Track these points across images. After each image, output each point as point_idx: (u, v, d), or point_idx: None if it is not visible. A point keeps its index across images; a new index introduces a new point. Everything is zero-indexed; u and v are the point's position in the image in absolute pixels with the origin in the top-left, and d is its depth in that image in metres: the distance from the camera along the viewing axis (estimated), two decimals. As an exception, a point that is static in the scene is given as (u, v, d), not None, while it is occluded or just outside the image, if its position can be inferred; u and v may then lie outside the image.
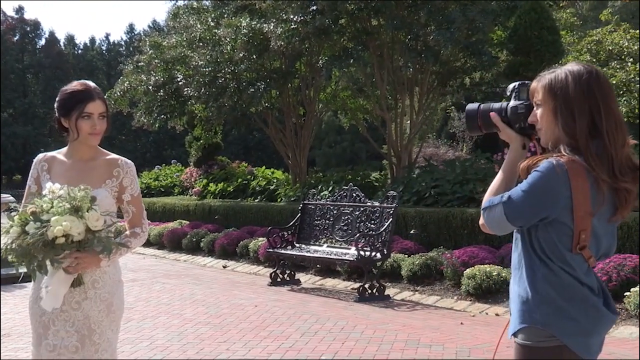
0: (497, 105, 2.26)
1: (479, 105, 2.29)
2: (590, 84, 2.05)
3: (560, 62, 12.90)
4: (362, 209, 8.86)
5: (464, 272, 7.82)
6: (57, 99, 2.96)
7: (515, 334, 2.09)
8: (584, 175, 2.00)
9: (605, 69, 12.98)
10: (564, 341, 2.00)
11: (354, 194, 9.14)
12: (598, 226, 2.06)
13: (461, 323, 6.56)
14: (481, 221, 2.15)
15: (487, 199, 2.14)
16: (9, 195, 11.10)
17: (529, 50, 11.25)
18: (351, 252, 8.48)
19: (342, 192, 9.39)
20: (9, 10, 48.26)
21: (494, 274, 7.61)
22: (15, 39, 47.99)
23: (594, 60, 14.50)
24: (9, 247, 2.63)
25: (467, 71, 13.63)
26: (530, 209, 2.03)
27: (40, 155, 3.07)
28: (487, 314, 7.22)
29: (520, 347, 2.07)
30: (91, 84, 2.98)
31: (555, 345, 2.01)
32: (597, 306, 2.06)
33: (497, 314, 7.15)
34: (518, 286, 2.11)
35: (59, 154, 3.05)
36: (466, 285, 7.70)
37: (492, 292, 7.58)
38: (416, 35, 11.84)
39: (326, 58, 12.91)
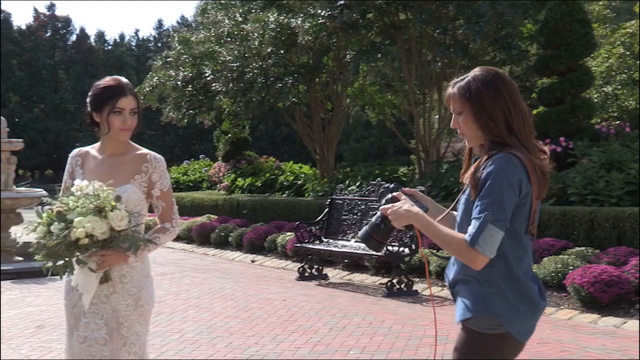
0: (373, 217, 2.42)
1: (365, 230, 2.42)
2: (497, 86, 2.26)
3: (592, 55, 12.70)
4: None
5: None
6: (89, 93, 2.97)
7: (466, 320, 2.27)
8: (528, 160, 2.22)
9: (639, 62, 12.75)
10: (509, 329, 2.24)
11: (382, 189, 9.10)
12: (537, 206, 2.31)
13: (490, 319, 6.52)
14: (475, 264, 2.20)
15: (461, 242, 2.19)
16: (41, 189, 11.28)
17: (560, 43, 11.09)
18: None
19: (369, 187, 9.37)
20: (41, 7, 49.06)
21: (523, 269, 7.53)
22: (47, 35, 48.68)
23: (628, 53, 14.23)
24: (35, 245, 2.68)
25: (497, 65, 13.45)
26: (510, 204, 2.18)
27: (75, 151, 3.10)
28: (516, 310, 7.14)
29: (471, 331, 2.27)
30: (123, 79, 2.98)
31: (501, 333, 2.24)
32: (535, 297, 2.28)
33: (526, 310, 7.07)
34: (478, 282, 2.26)
35: (93, 149, 3.08)
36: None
37: (521, 288, 7.50)
38: (445, 29, 11.75)
39: (354, 53, 12.88)
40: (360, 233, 2.47)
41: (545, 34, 11.38)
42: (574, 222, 8.43)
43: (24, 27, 47.55)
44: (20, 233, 10.39)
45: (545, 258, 7.68)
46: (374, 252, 8.39)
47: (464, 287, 2.30)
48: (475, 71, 2.32)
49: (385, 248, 2.41)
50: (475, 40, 11.27)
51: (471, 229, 2.17)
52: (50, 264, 2.69)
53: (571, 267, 7.23)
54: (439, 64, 13.01)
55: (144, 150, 3.04)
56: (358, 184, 12.41)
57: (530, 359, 5.20)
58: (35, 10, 48.28)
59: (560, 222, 8.55)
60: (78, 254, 2.69)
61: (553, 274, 7.34)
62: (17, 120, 39.03)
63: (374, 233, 2.39)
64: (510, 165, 2.17)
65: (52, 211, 2.68)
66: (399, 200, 2.35)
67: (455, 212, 2.42)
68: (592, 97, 12.99)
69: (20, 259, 10.11)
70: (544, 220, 8.71)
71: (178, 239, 13.35)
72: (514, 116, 2.24)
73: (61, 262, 2.69)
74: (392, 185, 2.45)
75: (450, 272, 2.37)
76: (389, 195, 2.40)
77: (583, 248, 7.89)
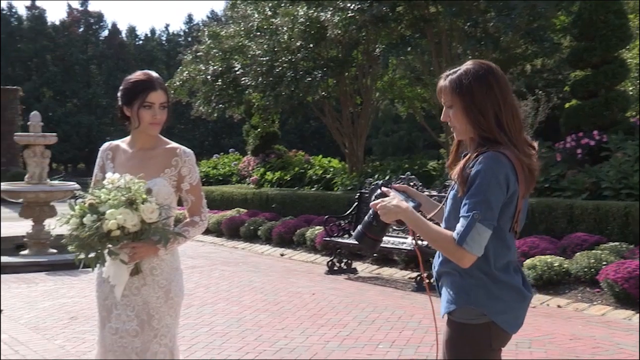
0: (366, 218, 2.42)
1: (358, 229, 2.44)
2: (489, 81, 2.26)
3: (627, 47, 12.44)
4: (419, 198, 8.77)
5: (524, 262, 7.68)
6: (120, 87, 3.01)
7: (451, 313, 2.32)
8: (516, 159, 2.23)
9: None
10: (492, 318, 2.27)
11: (411, 183, 9.06)
12: (523, 204, 2.32)
13: (521, 315, 6.44)
14: (463, 262, 2.23)
15: (449, 241, 2.21)
16: (74, 183, 11.45)
17: (594, 35, 10.89)
18: (408, 241, 8.43)
19: (399, 181, 9.33)
20: (75, 3, 49.69)
21: (555, 264, 7.45)
22: (80, 30, 49.30)
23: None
24: (68, 237, 2.72)
25: (528, 58, 13.30)
26: (498, 203, 2.21)
27: (106, 144, 3.14)
28: (548, 305, 7.07)
29: (456, 324, 2.31)
30: (153, 74, 3.02)
31: (485, 322, 2.27)
32: (519, 287, 2.31)
33: (559, 306, 6.99)
34: (460, 275, 2.30)
35: (123, 142, 3.11)
36: (526, 276, 7.55)
37: (553, 283, 7.42)
38: (475, 22, 11.61)
39: (383, 46, 12.80)
40: (354, 233, 2.48)
41: (578, 25, 11.18)
42: (608, 216, 8.29)
43: (57, 23, 48.25)
44: (54, 225, 10.51)
45: (578, 253, 7.58)
46: (405, 248, 8.39)
47: (447, 279, 2.36)
48: (468, 64, 2.32)
49: (377, 244, 2.42)
50: (507, 33, 11.10)
51: (459, 227, 2.20)
52: (82, 255, 2.73)
53: (605, 263, 7.13)
54: (470, 57, 12.86)
55: (174, 145, 3.06)
56: (387, 177, 12.35)
57: (562, 358, 5.13)
58: (69, 6, 48.93)
59: (594, 217, 8.42)
60: (109, 245, 2.72)
61: (586, 269, 7.24)
62: (50, 114, 39.64)
63: (367, 231, 2.41)
64: (498, 164, 2.20)
65: (85, 203, 2.71)
66: (388, 196, 2.37)
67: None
68: (627, 89, 12.73)
69: (54, 251, 10.28)
70: (576, 214, 8.59)
71: (208, 232, 13.45)
72: (504, 112, 2.26)
73: (93, 253, 2.73)
74: (381, 182, 2.47)
75: (436, 264, 2.43)
76: (378, 191, 2.41)
77: (617, 243, 7.76)
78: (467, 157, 2.28)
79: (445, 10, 11.44)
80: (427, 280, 2.46)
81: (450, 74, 2.34)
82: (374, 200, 2.39)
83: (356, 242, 2.48)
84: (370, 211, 2.40)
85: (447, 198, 2.38)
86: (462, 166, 2.26)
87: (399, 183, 2.54)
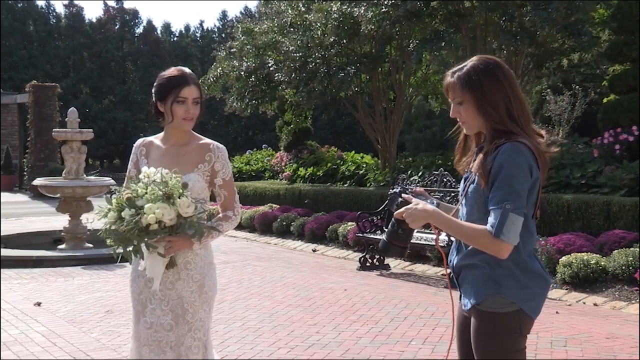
0: (390, 227, 2.43)
1: (383, 240, 2.46)
2: (497, 75, 2.31)
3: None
4: (452, 194, 8.71)
5: (560, 260, 7.57)
6: (154, 83, 3.05)
7: (480, 304, 2.33)
8: (535, 147, 2.29)
9: None
10: (521, 306, 2.31)
11: (445, 179, 8.99)
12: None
13: (556, 312, 6.35)
14: (501, 253, 2.25)
15: (486, 234, 2.23)
16: (109, 178, 11.62)
17: (634, 28, 10.66)
18: (441, 238, 8.35)
19: (432, 177, 9.26)
20: (111, 1, 50.35)
21: (592, 262, 7.32)
22: (116, 28, 49.95)
23: None
24: (106, 231, 2.76)
25: (565, 52, 13.06)
26: (525, 191, 2.24)
27: (139, 140, 3.18)
28: (584, 303, 6.96)
29: (486, 313, 2.33)
30: (187, 70, 3.05)
31: (514, 310, 2.31)
32: (542, 273, 2.37)
33: (595, 304, 6.87)
34: (490, 266, 2.32)
35: (156, 138, 3.15)
36: (562, 274, 7.45)
37: (589, 281, 7.30)
38: (511, 16, 11.45)
39: (417, 41, 12.71)
40: (379, 245, 2.50)
41: (618, 19, 10.97)
42: (647, 214, 8.12)
43: (94, 20, 48.97)
44: (92, 219, 10.66)
45: (616, 251, 7.44)
46: (433, 243, 8.33)
47: (473, 272, 2.37)
48: (474, 60, 2.37)
49: (406, 248, 2.45)
50: (543, 27, 10.92)
51: (492, 220, 2.23)
52: (120, 249, 2.77)
53: (643, 261, 6.98)
54: (505, 52, 12.70)
55: (207, 140, 3.09)
56: (420, 174, 12.28)
57: (599, 357, 5.05)
58: (105, 4, 49.65)
59: (632, 214, 8.25)
60: (146, 239, 2.76)
61: (623, 267, 7.10)
62: (87, 110, 40.26)
63: (393, 240, 2.42)
64: (519, 153, 2.25)
65: (122, 197, 2.75)
66: (410, 203, 2.39)
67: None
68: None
69: (90, 245, 10.45)
70: (614, 211, 8.43)
71: (241, 227, 13.54)
72: (514, 104, 2.31)
73: (131, 247, 2.76)
74: (399, 189, 2.46)
75: (454, 258, 2.44)
76: (399, 200, 2.42)
77: (656, 241, 7.61)
78: (485, 150, 2.31)
79: (481, 4, 11.30)
80: (450, 286, 2.47)
81: (457, 70, 2.37)
82: (395, 209, 2.41)
83: (385, 251, 2.49)
84: (393, 219, 2.41)
85: (464, 193, 2.40)
86: (481, 160, 2.29)
87: (418, 186, 2.57)
